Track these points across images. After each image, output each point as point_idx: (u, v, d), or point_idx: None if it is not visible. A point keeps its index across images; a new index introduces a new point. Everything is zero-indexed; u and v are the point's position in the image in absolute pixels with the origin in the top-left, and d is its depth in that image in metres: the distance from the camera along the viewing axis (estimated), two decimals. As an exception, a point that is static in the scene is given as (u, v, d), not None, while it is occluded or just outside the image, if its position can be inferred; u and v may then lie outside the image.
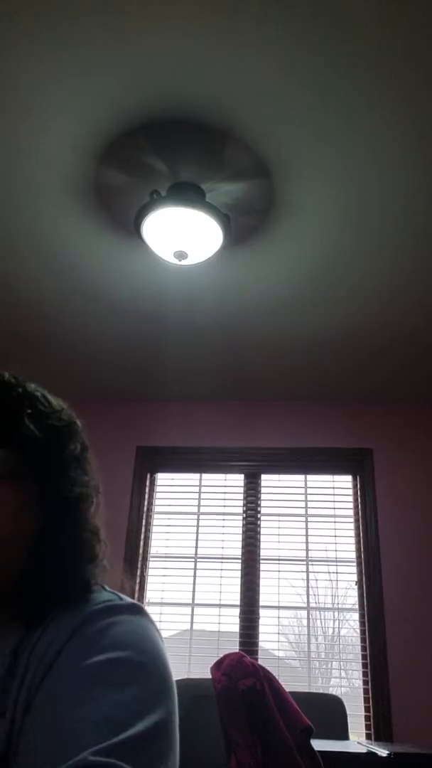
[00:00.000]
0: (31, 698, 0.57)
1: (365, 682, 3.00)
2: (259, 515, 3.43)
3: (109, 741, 0.49)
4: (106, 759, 0.48)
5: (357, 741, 2.57)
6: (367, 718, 2.92)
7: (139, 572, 3.29)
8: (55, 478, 0.69)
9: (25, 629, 0.63)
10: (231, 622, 3.18)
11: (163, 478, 3.61)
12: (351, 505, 3.42)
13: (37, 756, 0.50)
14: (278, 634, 3.17)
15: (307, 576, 3.25)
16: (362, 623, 3.13)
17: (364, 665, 3.03)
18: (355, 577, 3.25)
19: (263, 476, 3.52)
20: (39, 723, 0.53)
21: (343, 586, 3.25)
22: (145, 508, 3.45)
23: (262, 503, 3.46)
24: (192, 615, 3.22)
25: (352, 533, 3.34)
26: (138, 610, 0.63)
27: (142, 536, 3.37)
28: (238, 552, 3.34)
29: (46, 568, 0.65)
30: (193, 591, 3.27)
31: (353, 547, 3.31)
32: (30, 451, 0.67)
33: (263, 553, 3.33)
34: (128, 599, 0.65)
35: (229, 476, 3.55)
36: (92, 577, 0.69)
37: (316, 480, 3.50)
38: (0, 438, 0.66)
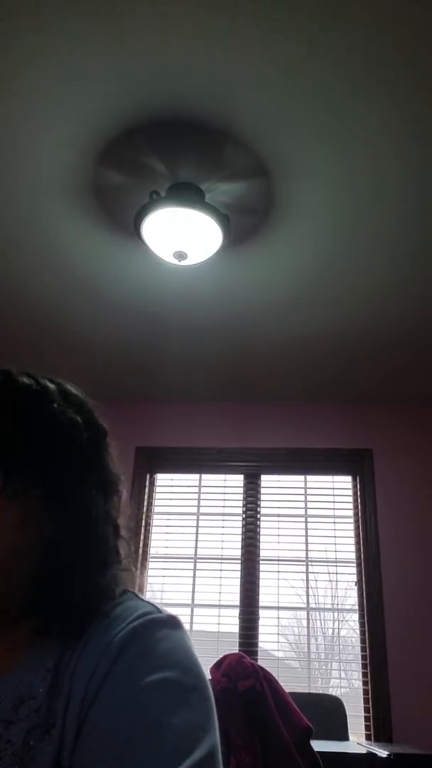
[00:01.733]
0: (82, 721, 0.56)
1: (365, 683, 2.99)
2: (258, 516, 3.42)
3: None
4: None
5: (357, 742, 2.58)
6: (366, 718, 2.91)
7: (138, 573, 3.29)
8: (59, 481, 0.65)
9: (62, 644, 0.62)
10: (230, 622, 3.18)
11: (162, 479, 3.61)
12: (351, 506, 3.42)
13: None
14: (278, 634, 3.16)
15: (307, 576, 3.25)
16: (362, 624, 3.12)
17: (364, 666, 3.03)
18: (354, 578, 3.24)
19: (263, 477, 3.52)
20: (94, 749, 0.53)
21: (343, 587, 3.24)
22: (144, 509, 3.45)
23: (262, 504, 3.46)
24: (192, 615, 3.22)
25: (352, 534, 3.34)
26: (177, 624, 0.63)
27: (142, 537, 3.37)
28: (238, 552, 3.34)
29: (61, 574, 0.63)
30: (193, 591, 3.27)
31: (353, 548, 3.31)
32: (20, 459, 0.63)
33: (263, 553, 3.32)
34: (165, 610, 0.64)
35: (229, 477, 3.55)
36: (119, 581, 0.66)
37: (316, 480, 3.49)
38: None
